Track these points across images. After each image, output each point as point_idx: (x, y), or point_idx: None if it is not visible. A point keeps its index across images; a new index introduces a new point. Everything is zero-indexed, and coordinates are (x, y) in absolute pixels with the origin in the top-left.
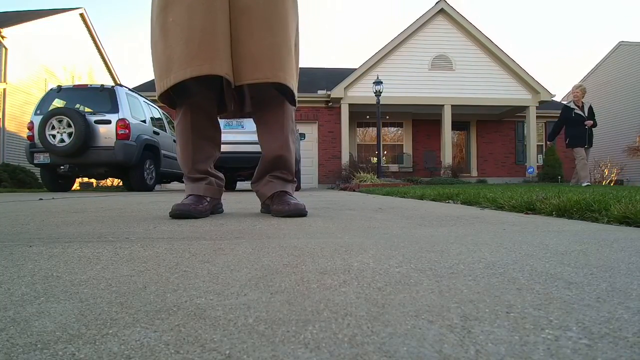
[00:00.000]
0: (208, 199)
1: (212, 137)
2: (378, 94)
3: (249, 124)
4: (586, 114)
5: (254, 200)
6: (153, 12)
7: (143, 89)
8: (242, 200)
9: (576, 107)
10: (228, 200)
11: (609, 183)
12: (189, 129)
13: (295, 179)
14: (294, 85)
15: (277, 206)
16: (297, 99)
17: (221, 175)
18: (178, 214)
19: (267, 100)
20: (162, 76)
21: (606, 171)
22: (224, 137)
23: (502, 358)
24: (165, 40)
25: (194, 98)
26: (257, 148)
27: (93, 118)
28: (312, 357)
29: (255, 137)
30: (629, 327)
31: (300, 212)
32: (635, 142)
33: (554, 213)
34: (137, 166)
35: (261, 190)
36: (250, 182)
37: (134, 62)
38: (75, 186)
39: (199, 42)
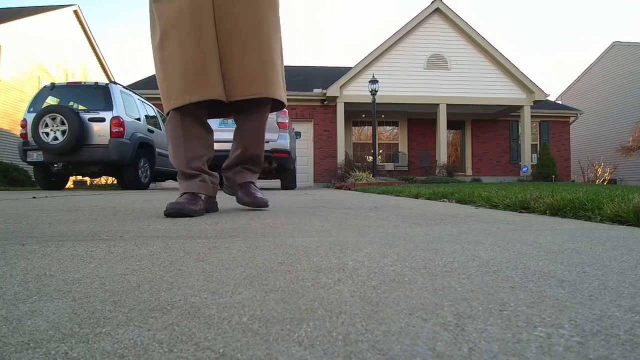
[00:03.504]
0: (203, 196)
1: (203, 137)
2: (374, 92)
3: None
4: None
5: None
6: (152, 44)
7: (137, 87)
8: None
9: None
10: (223, 198)
11: (603, 182)
12: (179, 128)
13: (260, 171)
14: (282, 95)
15: (244, 197)
16: (286, 102)
17: (216, 174)
18: (173, 212)
19: (252, 108)
20: (166, 99)
21: (599, 170)
22: (219, 136)
23: (495, 356)
24: (164, 70)
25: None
26: None
27: (87, 116)
28: (306, 356)
29: None
30: (621, 325)
31: (262, 204)
32: (628, 141)
33: (547, 212)
34: (131, 164)
35: (232, 177)
36: None
37: (134, 61)
38: (69, 184)
39: (192, 72)
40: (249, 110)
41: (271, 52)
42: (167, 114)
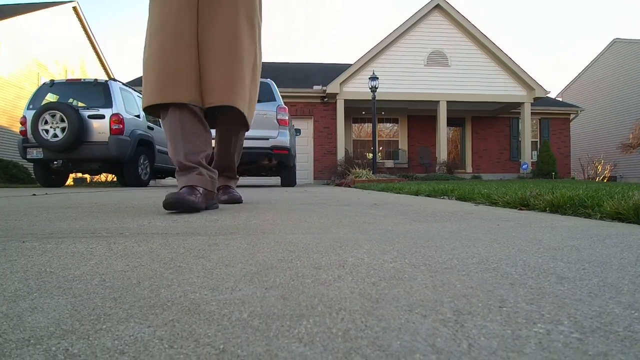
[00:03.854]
0: (201, 190)
1: (202, 134)
2: (374, 89)
3: None
4: None
5: (249, 197)
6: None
7: (137, 84)
8: None
9: None
10: None
11: (603, 179)
12: (177, 122)
13: (237, 177)
14: (244, 108)
15: (222, 196)
16: (247, 116)
17: (215, 170)
18: (171, 202)
19: (221, 119)
20: (143, 96)
21: (599, 167)
22: None
23: (494, 352)
24: (145, 70)
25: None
26: (252, 143)
27: (86, 113)
28: (306, 352)
29: (251, 132)
30: (620, 322)
31: (236, 200)
32: (628, 138)
33: (547, 209)
34: (131, 161)
35: None
36: (245, 177)
37: (133, 58)
38: (69, 182)
39: (166, 75)
40: (219, 122)
41: (241, 65)
42: (143, 109)
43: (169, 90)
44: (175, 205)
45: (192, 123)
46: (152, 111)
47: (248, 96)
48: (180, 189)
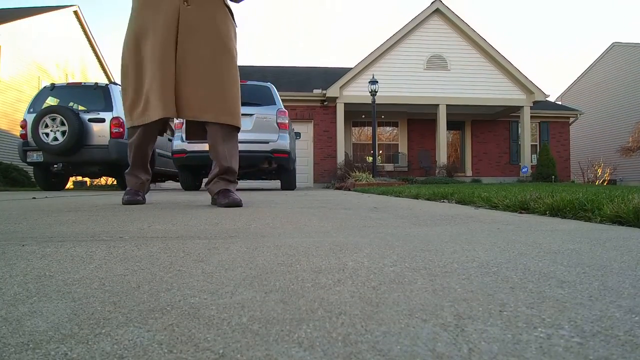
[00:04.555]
0: (141, 192)
1: (149, 151)
2: (373, 93)
3: (244, 122)
4: None
5: (249, 200)
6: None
7: None
8: None
9: None
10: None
11: (602, 183)
12: (133, 147)
13: (237, 181)
14: (233, 120)
15: (221, 199)
16: (232, 122)
17: (149, 173)
18: (127, 201)
19: (222, 129)
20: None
21: (599, 171)
22: None
23: (495, 356)
24: (124, 94)
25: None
26: (252, 147)
27: (87, 116)
28: (306, 356)
29: (250, 136)
30: (621, 326)
31: (236, 204)
32: (628, 142)
33: (547, 212)
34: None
35: (211, 188)
36: (245, 180)
37: None
38: (69, 185)
39: (137, 103)
40: (208, 130)
41: (222, 84)
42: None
43: (139, 116)
44: (131, 202)
45: (145, 144)
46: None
47: (230, 104)
48: (129, 190)
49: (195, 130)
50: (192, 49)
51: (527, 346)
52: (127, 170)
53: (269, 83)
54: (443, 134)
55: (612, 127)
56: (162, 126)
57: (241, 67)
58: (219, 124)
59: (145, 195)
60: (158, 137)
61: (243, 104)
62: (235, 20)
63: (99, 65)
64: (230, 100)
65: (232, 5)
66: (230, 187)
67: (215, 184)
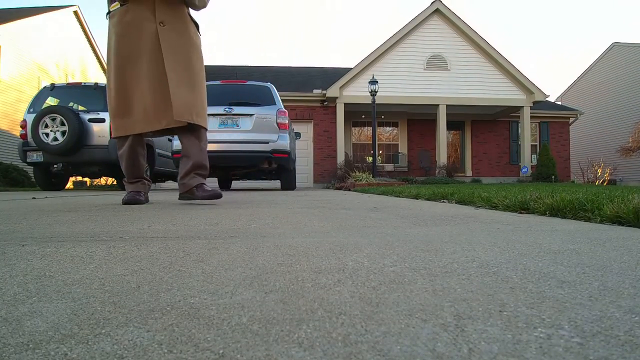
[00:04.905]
0: (142, 193)
1: (143, 155)
2: (373, 93)
3: (244, 122)
4: None
5: (249, 200)
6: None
7: None
8: (237, 200)
9: None
10: (223, 199)
11: (602, 183)
12: (127, 154)
13: (207, 174)
14: (205, 122)
15: (202, 193)
16: (207, 126)
17: (148, 179)
18: (127, 200)
19: (193, 128)
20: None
21: (599, 171)
22: (219, 136)
23: (494, 356)
24: (109, 105)
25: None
26: (252, 147)
27: (87, 116)
28: (306, 357)
29: (250, 136)
30: (621, 326)
31: (218, 195)
32: (628, 142)
33: (547, 212)
34: None
35: (189, 182)
36: (245, 180)
37: None
38: (69, 185)
39: (122, 114)
40: (192, 130)
41: (201, 90)
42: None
43: (123, 127)
44: (130, 202)
45: (137, 150)
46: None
47: (202, 108)
48: (130, 192)
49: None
50: (174, 62)
51: (527, 346)
52: (124, 179)
53: (268, 83)
54: (443, 134)
55: (612, 127)
56: (161, 133)
57: (241, 67)
58: (195, 125)
59: (147, 195)
60: (158, 137)
61: (243, 104)
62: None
63: (99, 65)
64: (202, 105)
65: (194, 14)
66: (204, 181)
67: (193, 179)
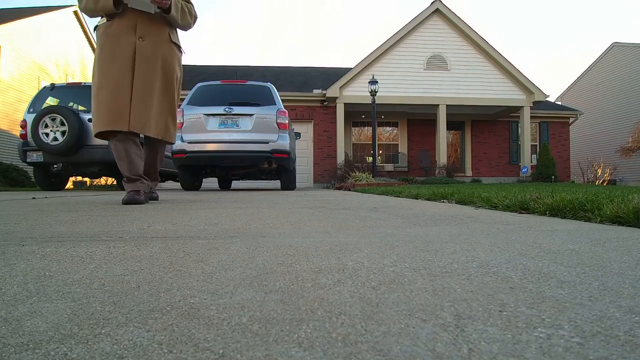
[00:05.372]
0: (142, 192)
1: (139, 154)
2: (373, 93)
3: (244, 122)
4: None
5: (249, 200)
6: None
7: None
8: (237, 200)
9: None
10: (223, 199)
11: (602, 183)
12: (123, 151)
13: (158, 180)
14: (170, 138)
15: (127, 197)
16: (165, 138)
17: (147, 178)
18: (127, 200)
19: (160, 143)
20: (95, 125)
21: (599, 171)
22: (219, 136)
23: (494, 356)
24: (98, 109)
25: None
26: (252, 147)
27: (87, 116)
28: (305, 357)
29: (250, 136)
30: (621, 326)
31: (154, 199)
32: (628, 142)
33: (547, 212)
34: None
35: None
36: (245, 180)
37: None
38: (69, 185)
39: (107, 115)
40: (147, 141)
41: (170, 109)
42: (95, 134)
43: (110, 123)
44: (130, 202)
45: (133, 147)
46: (102, 136)
47: (167, 123)
48: (130, 192)
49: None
50: (144, 75)
51: (527, 346)
52: (123, 180)
53: (268, 83)
54: (443, 134)
55: (612, 127)
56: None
57: (241, 67)
58: (158, 138)
59: (151, 195)
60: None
61: (243, 104)
62: (182, 48)
63: None
64: (167, 120)
65: (180, 32)
66: (152, 184)
67: (145, 184)
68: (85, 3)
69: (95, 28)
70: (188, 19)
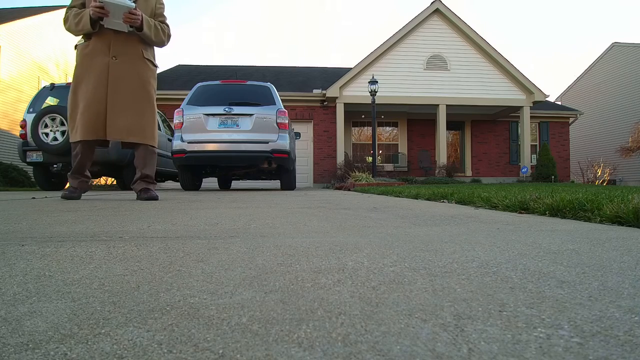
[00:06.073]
0: (79, 189)
1: (92, 158)
2: (373, 93)
3: (244, 122)
4: None
5: (249, 200)
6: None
7: None
8: (237, 200)
9: None
10: (223, 199)
11: (602, 183)
12: (79, 154)
13: (155, 182)
14: (154, 140)
15: (143, 194)
16: (147, 142)
17: (88, 175)
18: (67, 195)
19: (145, 147)
20: (73, 134)
21: (599, 171)
22: (218, 136)
23: (494, 356)
24: (71, 116)
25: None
26: (252, 147)
27: None
28: (305, 357)
29: (250, 136)
30: (620, 326)
31: (154, 198)
32: (628, 142)
33: (547, 212)
34: (131, 165)
35: (135, 187)
36: (245, 180)
37: None
38: (69, 185)
39: (84, 123)
40: (136, 150)
41: (146, 115)
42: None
43: (87, 133)
44: (70, 197)
45: (88, 153)
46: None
47: (148, 129)
48: (70, 188)
49: (102, 142)
50: (119, 90)
51: (527, 346)
52: (69, 173)
53: (268, 83)
54: (443, 134)
55: (612, 127)
56: (102, 143)
57: (241, 67)
58: (143, 143)
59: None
60: (158, 135)
61: (243, 104)
62: (156, 63)
63: None
64: (148, 126)
65: (157, 49)
66: (150, 186)
67: (139, 184)
68: (69, 25)
69: (75, 47)
70: (161, 37)
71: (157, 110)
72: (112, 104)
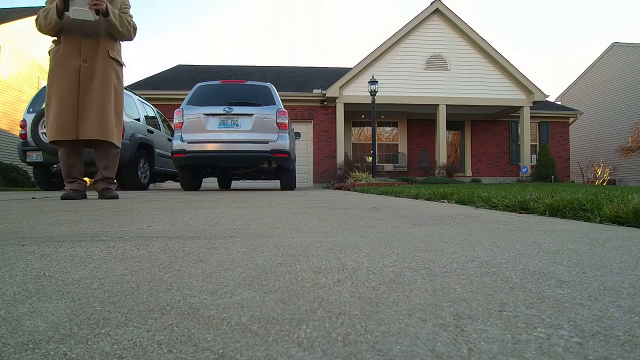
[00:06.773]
0: (78, 191)
1: (79, 161)
2: (373, 93)
3: (244, 122)
4: None
5: (249, 200)
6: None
7: (137, 87)
8: (237, 199)
9: None
10: (223, 199)
11: (602, 183)
12: (65, 158)
13: (115, 182)
14: (115, 138)
15: (104, 193)
16: (119, 144)
17: (83, 179)
18: (66, 196)
19: (103, 144)
20: (49, 133)
21: (599, 171)
22: (218, 136)
23: (494, 356)
24: (47, 115)
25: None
26: (252, 147)
27: None
28: (305, 356)
29: (249, 136)
30: (620, 326)
31: (114, 197)
32: (628, 142)
33: (547, 212)
34: (130, 165)
35: (97, 186)
36: (245, 180)
37: (133, 62)
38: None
39: (58, 124)
40: (95, 146)
41: (108, 114)
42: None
43: (60, 132)
44: (68, 198)
45: (74, 156)
46: (54, 143)
47: (112, 128)
48: (68, 190)
49: (86, 143)
50: (87, 92)
51: (527, 346)
52: (64, 179)
53: (268, 83)
54: (443, 134)
55: (612, 127)
56: (87, 143)
57: (241, 67)
58: (105, 142)
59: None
60: (157, 137)
61: (243, 104)
62: (122, 61)
63: None
64: (112, 125)
65: (124, 43)
66: (110, 186)
67: (100, 184)
68: (39, 23)
69: (49, 52)
70: (127, 26)
71: (124, 110)
72: (82, 105)
